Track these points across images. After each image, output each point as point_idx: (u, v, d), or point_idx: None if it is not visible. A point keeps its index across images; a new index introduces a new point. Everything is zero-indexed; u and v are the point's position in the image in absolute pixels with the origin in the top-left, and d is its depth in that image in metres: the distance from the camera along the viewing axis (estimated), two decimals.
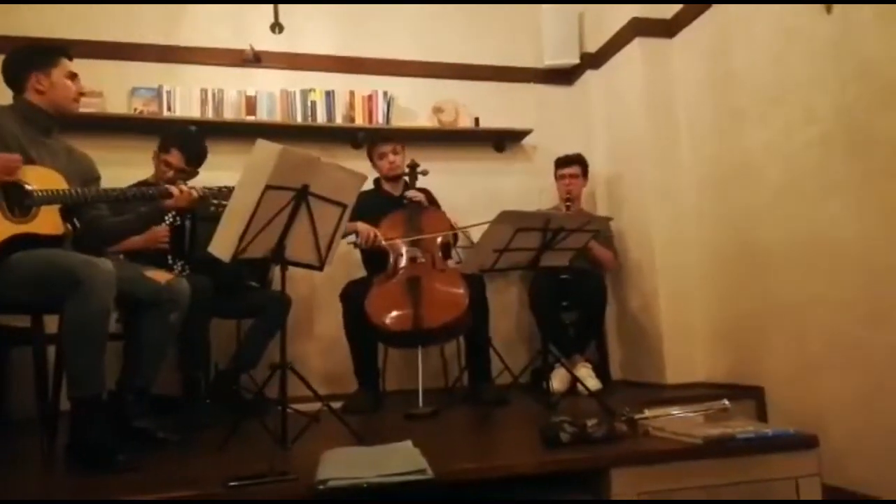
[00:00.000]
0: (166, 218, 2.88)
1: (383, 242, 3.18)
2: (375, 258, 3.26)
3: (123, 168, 3.03)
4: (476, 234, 3.37)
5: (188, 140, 3.11)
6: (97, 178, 2.45)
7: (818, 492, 2.00)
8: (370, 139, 3.54)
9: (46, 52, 2.32)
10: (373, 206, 3.32)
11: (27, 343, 2.33)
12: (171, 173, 3.01)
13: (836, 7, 2.60)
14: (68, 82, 2.31)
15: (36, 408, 2.28)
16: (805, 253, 2.78)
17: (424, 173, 3.45)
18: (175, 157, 3.03)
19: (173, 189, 2.39)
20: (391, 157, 3.43)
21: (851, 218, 2.55)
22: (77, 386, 1.98)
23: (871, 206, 2.47)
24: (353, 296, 3.10)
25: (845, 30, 2.57)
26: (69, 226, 2.25)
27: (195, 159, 3.09)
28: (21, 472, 2.07)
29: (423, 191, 3.41)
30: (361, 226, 3.22)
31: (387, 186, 3.51)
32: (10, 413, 2.93)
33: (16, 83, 2.29)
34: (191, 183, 2.82)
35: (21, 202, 2.09)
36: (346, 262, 3.47)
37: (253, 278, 3.23)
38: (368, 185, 3.41)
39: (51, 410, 2.35)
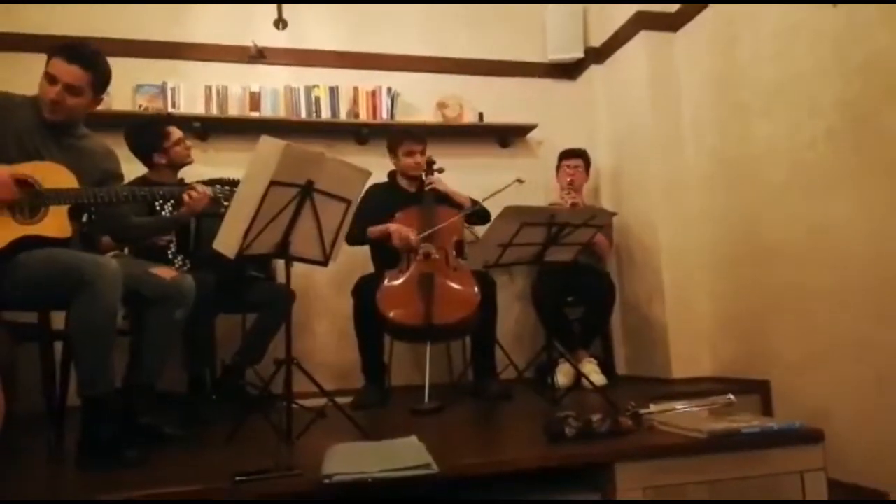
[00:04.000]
0: (164, 210, 2.89)
1: (419, 238, 3.14)
2: (386, 253, 3.26)
3: (128, 164, 3.02)
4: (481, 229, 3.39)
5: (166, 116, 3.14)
6: (118, 175, 2.42)
7: (824, 486, 1.99)
8: (401, 134, 3.49)
9: (50, 49, 2.20)
10: (387, 199, 3.33)
11: (34, 339, 2.35)
12: (189, 159, 3.10)
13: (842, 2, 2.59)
14: (45, 84, 2.16)
15: (43, 403, 2.30)
16: (810, 247, 2.77)
17: (441, 171, 3.44)
18: (175, 132, 3.08)
19: (193, 193, 2.39)
20: (419, 157, 3.40)
21: (856, 212, 2.54)
22: (87, 385, 1.98)
23: (875, 199, 2.46)
24: (364, 291, 3.10)
25: (850, 23, 2.56)
26: (77, 226, 2.23)
27: (159, 145, 3.06)
28: (29, 468, 2.08)
29: (436, 191, 3.40)
30: (394, 226, 3.20)
31: (402, 182, 3.50)
32: (17, 409, 2.95)
33: None
34: (197, 179, 2.84)
35: (31, 201, 2.08)
36: (354, 258, 3.47)
37: (255, 268, 3.24)
38: (382, 178, 3.42)
39: (58, 406, 2.37)
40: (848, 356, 2.57)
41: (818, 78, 2.72)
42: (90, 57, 2.21)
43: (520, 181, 3.18)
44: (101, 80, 2.26)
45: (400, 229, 3.18)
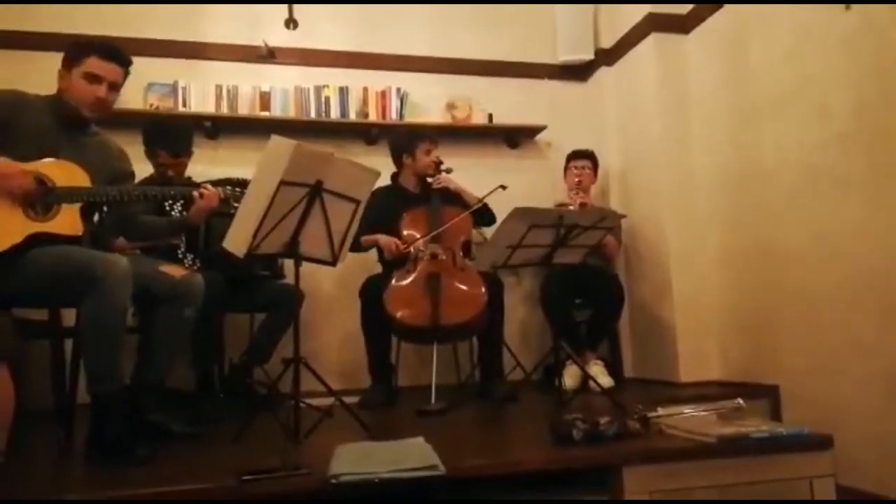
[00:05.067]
0: (174, 210, 2.90)
1: (410, 248, 3.16)
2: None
3: (139, 163, 3.04)
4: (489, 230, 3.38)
5: (166, 136, 3.08)
6: (130, 174, 2.45)
7: (833, 492, 1.98)
8: (417, 134, 3.47)
9: (76, 48, 2.23)
10: (392, 201, 3.33)
11: (44, 336, 2.36)
12: (170, 171, 3.04)
13: (854, 3, 2.57)
14: (84, 83, 2.20)
15: (52, 400, 2.31)
16: (820, 251, 2.75)
17: (448, 171, 3.44)
18: (164, 157, 3.04)
19: (204, 192, 2.40)
20: (434, 155, 3.40)
21: (866, 215, 2.53)
22: (96, 382, 2.00)
23: (886, 203, 2.44)
24: (372, 291, 3.11)
25: (863, 26, 2.54)
26: (89, 224, 2.25)
27: (182, 149, 3.09)
28: (38, 464, 2.10)
29: (445, 188, 3.39)
30: (383, 239, 3.21)
31: (408, 183, 3.49)
32: (27, 405, 2.96)
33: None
34: (206, 178, 2.85)
35: (42, 198, 2.09)
36: (363, 258, 3.48)
37: (263, 268, 3.24)
38: (385, 181, 3.43)
39: (68, 403, 2.38)
40: (858, 361, 2.56)
41: (830, 81, 2.70)
42: (122, 54, 2.28)
43: (503, 187, 3.22)
44: (127, 76, 2.33)
45: (389, 242, 3.19)
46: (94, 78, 2.21)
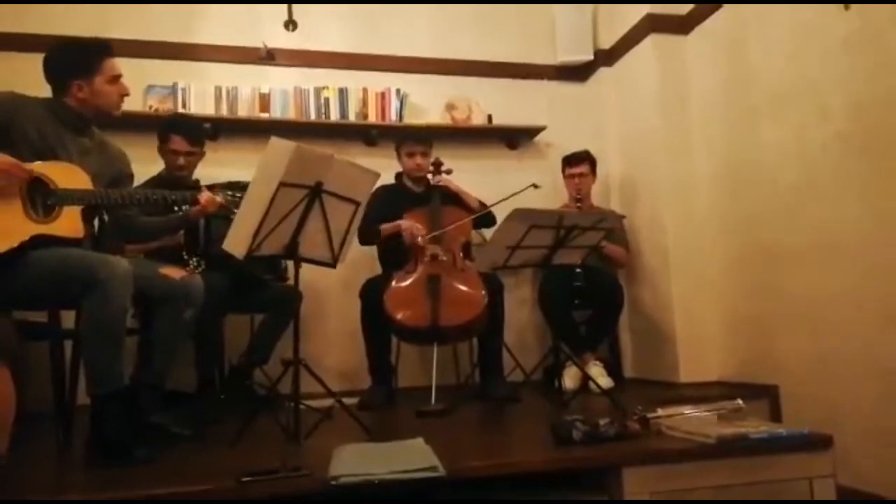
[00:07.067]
0: (180, 211, 2.90)
1: (427, 242, 3.16)
2: (394, 254, 3.27)
3: (139, 165, 3.02)
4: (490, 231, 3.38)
5: (183, 122, 3.13)
6: (129, 176, 2.46)
7: (832, 492, 1.98)
8: (403, 135, 3.52)
9: (89, 57, 2.25)
10: (393, 200, 3.34)
11: (44, 338, 2.36)
12: (181, 160, 3.04)
13: (853, 4, 2.57)
14: (110, 88, 2.26)
15: (53, 402, 2.31)
16: (820, 252, 2.75)
17: (448, 172, 3.45)
18: (178, 143, 3.04)
19: (203, 196, 2.40)
20: (419, 158, 3.41)
21: (867, 217, 2.53)
22: (96, 383, 2.00)
23: (886, 204, 2.45)
24: (372, 292, 3.11)
25: (862, 27, 2.54)
26: (90, 227, 2.25)
27: (197, 137, 3.10)
28: (38, 466, 2.09)
29: (445, 188, 3.41)
30: (405, 223, 3.22)
31: (408, 182, 3.51)
32: (26, 407, 2.96)
33: (56, 85, 2.25)
34: (207, 180, 2.85)
35: (44, 200, 2.09)
36: (362, 259, 3.48)
37: (267, 271, 3.24)
38: (389, 180, 3.44)
39: (67, 404, 2.38)
40: (857, 361, 2.56)
41: (829, 81, 2.70)
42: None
43: (535, 186, 3.19)
44: None
45: (412, 226, 3.20)
46: (115, 78, 2.28)
